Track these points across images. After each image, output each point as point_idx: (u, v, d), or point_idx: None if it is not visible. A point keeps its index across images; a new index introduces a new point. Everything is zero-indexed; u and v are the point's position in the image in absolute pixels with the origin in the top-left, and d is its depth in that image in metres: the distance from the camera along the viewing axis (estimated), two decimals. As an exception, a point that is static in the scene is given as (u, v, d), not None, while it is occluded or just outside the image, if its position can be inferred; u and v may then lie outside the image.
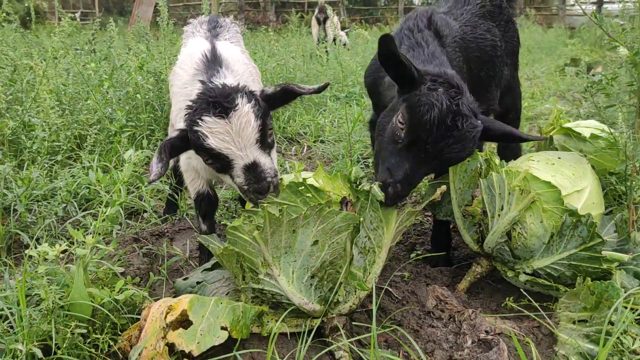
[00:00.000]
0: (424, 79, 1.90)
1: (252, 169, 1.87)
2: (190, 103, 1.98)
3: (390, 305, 2.17)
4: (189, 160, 2.50)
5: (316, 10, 12.31)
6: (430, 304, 2.18)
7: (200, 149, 1.91)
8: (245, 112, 1.86)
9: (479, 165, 2.23)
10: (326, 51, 11.10)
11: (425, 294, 2.27)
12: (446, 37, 2.22)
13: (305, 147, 4.78)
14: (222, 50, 2.45)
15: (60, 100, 4.24)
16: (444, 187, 2.18)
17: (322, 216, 1.72)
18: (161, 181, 3.72)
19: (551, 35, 16.93)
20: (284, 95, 2.10)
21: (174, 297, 2.27)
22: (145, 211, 3.33)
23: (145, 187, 3.43)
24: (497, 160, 2.31)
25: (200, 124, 1.85)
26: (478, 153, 2.32)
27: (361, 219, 1.78)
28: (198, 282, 2.24)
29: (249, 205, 2.09)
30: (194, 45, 2.58)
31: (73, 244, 2.05)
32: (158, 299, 1.94)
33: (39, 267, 1.90)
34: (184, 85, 2.36)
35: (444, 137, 1.80)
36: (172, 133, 2.01)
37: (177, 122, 2.36)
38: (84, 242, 1.96)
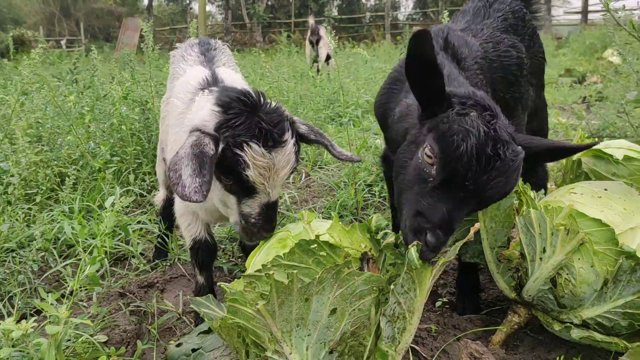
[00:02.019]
0: (452, 102, 1.58)
1: (270, 208, 1.76)
2: (218, 107, 1.71)
3: (419, 368, 1.86)
4: (186, 203, 2.18)
5: (309, 32, 12.15)
6: (465, 364, 1.88)
7: (230, 171, 1.68)
8: (288, 151, 1.72)
9: (513, 202, 1.94)
10: (317, 71, 10.90)
11: (457, 350, 1.97)
12: (465, 59, 1.92)
13: (304, 174, 4.49)
14: (224, 76, 2.20)
15: (39, 135, 3.94)
16: (477, 225, 1.88)
17: (340, 279, 1.41)
18: (149, 220, 3.41)
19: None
20: (312, 142, 1.91)
21: (166, 369, 1.96)
22: (132, 256, 3.00)
23: (133, 229, 3.12)
24: (531, 194, 2.03)
25: (245, 149, 1.64)
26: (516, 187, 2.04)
27: (391, 286, 1.47)
28: (194, 350, 1.92)
29: (251, 259, 1.78)
30: (190, 74, 2.29)
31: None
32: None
33: (2, 350, 1.58)
34: (179, 115, 2.08)
35: (486, 170, 1.45)
36: (201, 140, 1.66)
37: (171, 153, 2.05)
38: (56, 315, 1.64)
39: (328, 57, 12.37)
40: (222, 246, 3.14)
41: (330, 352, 1.49)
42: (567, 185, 2.07)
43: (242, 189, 1.73)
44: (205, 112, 1.75)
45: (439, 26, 2.11)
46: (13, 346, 1.65)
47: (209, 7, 42.64)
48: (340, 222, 1.58)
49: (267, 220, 1.75)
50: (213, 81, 2.12)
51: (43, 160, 3.58)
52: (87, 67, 5.75)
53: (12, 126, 3.25)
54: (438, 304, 2.29)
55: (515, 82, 2.23)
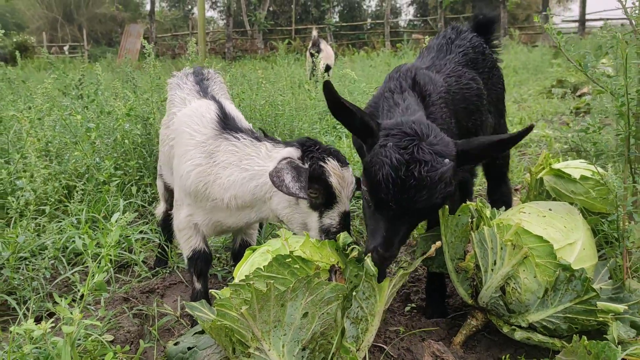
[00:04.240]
0: (379, 134, 1.85)
1: (346, 216, 2.10)
2: (297, 145, 2.14)
3: (386, 365, 2.13)
4: (189, 218, 2.48)
5: (310, 44, 12.48)
6: (427, 361, 2.14)
7: (317, 180, 2.05)
8: (351, 171, 2.14)
9: (469, 220, 2.22)
10: (316, 81, 11.17)
11: (420, 350, 2.24)
12: (431, 95, 2.20)
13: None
14: (230, 110, 2.54)
15: (48, 150, 4.21)
16: (438, 243, 2.15)
17: (310, 288, 1.69)
18: (151, 229, 3.69)
19: (536, 54, 17.13)
20: None
21: (164, 366, 2.23)
22: (135, 264, 3.28)
23: (135, 239, 3.39)
24: (487, 212, 2.30)
25: (327, 161, 2.05)
26: (471, 205, 2.31)
27: (354, 293, 1.75)
28: (189, 348, 2.19)
29: (238, 269, 2.05)
30: (198, 106, 2.58)
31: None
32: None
33: (25, 347, 1.85)
34: (201, 143, 2.37)
35: (403, 190, 1.71)
36: (293, 161, 2.08)
37: (189, 177, 2.36)
38: (71, 317, 1.92)
39: (328, 68, 12.69)
40: (218, 255, 3.42)
41: (303, 349, 1.76)
42: (518, 205, 2.34)
43: (326, 199, 2.07)
44: (290, 149, 2.15)
45: (407, 66, 2.38)
46: (33, 344, 1.92)
47: (210, 13, 43.03)
48: (311, 240, 1.86)
49: (343, 227, 2.08)
50: (224, 116, 2.43)
51: (51, 173, 3.86)
52: (91, 80, 6.03)
53: (24, 144, 3.52)
54: (407, 308, 2.55)
55: (476, 111, 2.50)
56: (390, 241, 1.78)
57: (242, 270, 1.97)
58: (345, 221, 2.07)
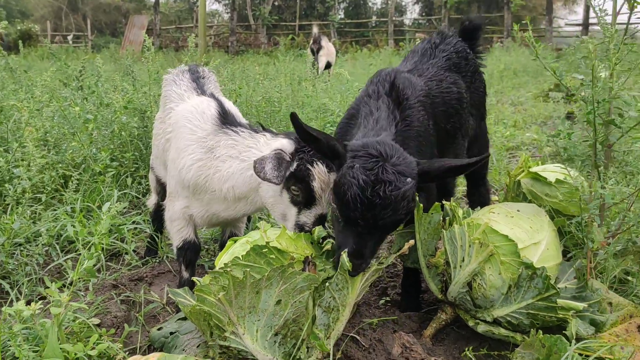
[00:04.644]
0: (346, 156, 1.99)
1: (322, 218, 2.20)
2: (295, 140, 2.24)
3: (357, 353, 2.24)
4: (184, 210, 2.60)
5: (311, 41, 12.59)
6: (396, 351, 2.26)
7: (301, 181, 2.16)
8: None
9: (441, 218, 2.33)
10: (315, 77, 11.27)
11: (391, 341, 2.35)
12: (408, 99, 2.30)
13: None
14: (229, 107, 2.67)
15: (46, 140, 4.33)
16: (411, 242, 2.28)
17: (284, 277, 1.80)
18: (143, 220, 3.80)
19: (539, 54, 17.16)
20: None
21: (148, 347, 2.35)
22: (126, 253, 3.39)
23: (128, 229, 3.51)
24: (460, 212, 2.41)
25: (314, 165, 2.16)
26: (446, 204, 2.42)
27: (327, 283, 1.87)
28: (172, 333, 2.31)
29: (219, 258, 2.17)
30: (197, 102, 2.69)
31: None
32: (134, 349, 2.02)
33: (15, 326, 1.97)
34: (202, 138, 2.49)
35: (370, 209, 1.85)
36: (281, 154, 2.19)
37: (189, 170, 2.48)
38: (59, 300, 2.03)
39: (329, 65, 12.80)
40: (206, 247, 3.53)
41: (276, 334, 1.88)
42: (489, 206, 2.45)
43: (305, 199, 2.18)
44: (284, 141, 2.26)
45: (387, 70, 2.48)
46: (23, 324, 2.04)
47: (215, 6, 43.01)
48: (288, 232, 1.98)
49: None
50: (224, 113, 2.55)
51: (49, 163, 3.97)
52: (92, 72, 6.14)
53: (22, 133, 3.64)
54: (382, 301, 2.67)
55: (456, 114, 2.61)
56: (361, 252, 1.91)
57: (222, 259, 2.08)
58: (320, 222, 2.18)
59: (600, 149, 2.26)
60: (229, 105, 2.69)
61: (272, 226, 2.11)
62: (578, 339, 2.18)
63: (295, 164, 2.16)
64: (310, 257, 1.93)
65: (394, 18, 28.36)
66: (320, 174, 2.14)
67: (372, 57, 17.76)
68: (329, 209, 2.17)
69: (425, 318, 2.56)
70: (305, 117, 6.25)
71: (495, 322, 2.26)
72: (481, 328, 2.18)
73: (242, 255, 1.85)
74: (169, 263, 3.28)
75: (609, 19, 2.44)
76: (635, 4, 2.28)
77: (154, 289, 2.96)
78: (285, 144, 2.23)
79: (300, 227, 2.18)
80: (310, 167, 2.14)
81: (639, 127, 2.23)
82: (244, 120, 2.59)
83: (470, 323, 2.25)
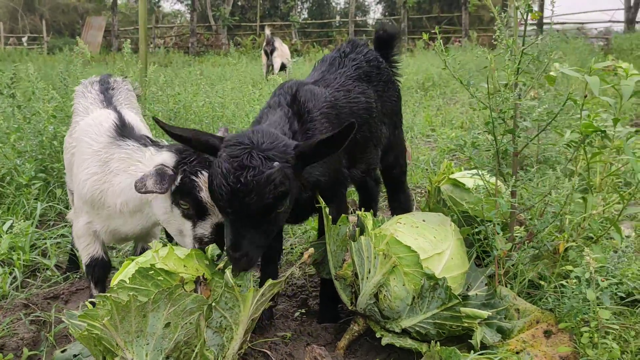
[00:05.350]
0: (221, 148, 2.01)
1: (219, 226, 2.15)
2: (175, 152, 2.21)
3: (266, 370, 2.21)
4: (88, 225, 2.52)
5: (264, 43, 12.51)
6: (306, 366, 2.23)
7: (187, 194, 2.12)
8: None
9: (347, 230, 2.32)
10: (268, 80, 11.22)
11: (302, 355, 2.32)
12: (310, 112, 2.28)
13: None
14: (130, 119, 2.60)
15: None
16: (311, 251, 2.27)
17: (172, 299, 1.75)
18: (69, 233, 3.68)
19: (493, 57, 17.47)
20: None
21: (50, 372, 2.27)
22: (47, 268, 3.28)
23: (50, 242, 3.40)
24: (370, 223, 2.40)
25: (199, 175, 2.11)
26: (359, 214, 2.42)
27: (213, 303, 1.83)
28: (75, 355, 2.24)
29: (115, 279, 2.11)
30: (97, 115, 2.63)
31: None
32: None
33: None
34: (97, 152, 2.43)
35: (234, 195, 1.85)
36: (164, 168, 2.13)
37: (85, 185, 2.41)
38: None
39: (284, 67, 12.74)
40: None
41: (167, 358, 1.83)
42: (396, 216, 2.45)
43: (197, 211, 2.13)
44: (165, 155, 2.22)
45: (291, 82, 2.46)
46: None
47: (177, 6, 42.46)
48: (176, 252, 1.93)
49: (219, 238, 2.13)
50: (122, 125, 2.49)
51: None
52: (28, 80, 5.93)
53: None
54: (297, 313, 2.64)
55: (364, 123, 2.59)
56: (238, 243, 1.91)
57: (116, 280, 2.02)
58: (218, 231, 2.13)
59: (503, 157, 2.28)
60: (131, 116, 2.62)
61: (164, 245, 2.06)
62: (485, 347, 2.21)
63: (179, 178, 2.12)
64: (202, 277, 1.88)
65: (356, 18, 28.44)
66: (206, 183, 2.09)
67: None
68: None
69: (341, 329, 2.54)
70: (249, 121, 6.19)
71: (405, 332, 2.26)
72: (385, 340, 2.18)
73: (128, 278, 1.79)
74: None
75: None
76: (537, 14, 2.31)
77: (71, 307, 2.86)
78: (167, 158, 2.19)
79: (199, 240, 2.14)
80: (194, 177, 2.10)
81: (541, 136, 2.26)
82: (143, 132, 2.52)
83: (378, 334, 2.25)
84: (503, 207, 2.15)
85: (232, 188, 1.84)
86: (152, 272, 1.80)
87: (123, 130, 2.43)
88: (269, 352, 2.30)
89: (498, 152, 2.28)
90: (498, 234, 2.25)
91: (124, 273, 2.03)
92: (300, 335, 2.48)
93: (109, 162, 2.34)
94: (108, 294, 1.71)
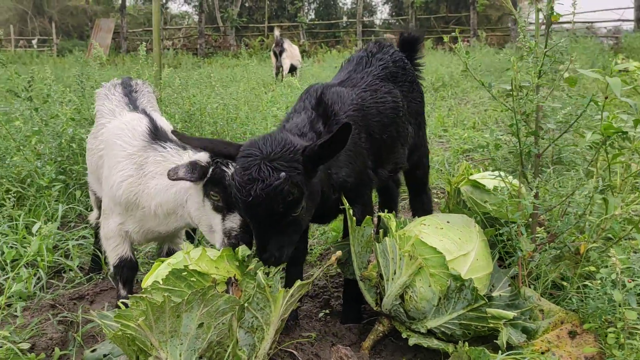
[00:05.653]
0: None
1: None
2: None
3: (293, 370, 2.24)
4: (119, 227, 2.57)
5: (273, 44, 12.55)
6: (332, 366, 2.26)
7: (218, 184, 2.19)
8: None
9: (372, 232, 2.34)
10: (281, 80, 11.25)
11: (329, 354, 2.35)
12: (337, 115, 2.31)
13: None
14: (161, 123, 2.67)
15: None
16: (339, 253, 2.29)
17: (205, 300, 1.78)
18: (90, 234, 3.73)
19: (502, 56, 17.43)
20: None
21: (81, 371, 2.31)
22: (70, 269, 3.33)
23: (72, 244, 3.45)
24: (394, 224, 2.42)
25: (230, 167, 2.19)
26: (382, 216, 2.44)
27: (246, 304, 1.86)
28: (105, 355, 2.27)
29: (145, 280, 2.14)
30: (128, 119, 2.68)
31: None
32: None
33: None
34: (131, 155, 2.49)
35: (247, 205, 1.96)
36: (195, 162, 2.21)
37: (120, 187, 2.47)
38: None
39: (294, 68, 12.76)
40: (152, 261, 3.48)
41: (200, 357, 1.86)
42: (420, 218, 2.47)
43: (226, 203, 2.18)
44: (201, 154, 2.30)
45: (316, 86, 2.49)
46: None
47: (185, 7, 42.59)
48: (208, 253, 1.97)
49: (247, 233, 2.18)
50: (155, 129, 2.55)
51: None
52: (44, 82, 6.01)
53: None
54: (321, 314, 2.67)
55: (391, 123, 2.62)
56: (263, 247, 2.01)
57: (149, 281, 2.05)
58: (247, 225, 2.17)
59: (527, 159, 2.30)
60: (161, 120, 2.67)
61: (195, 246, 2.09)
62: (510, 347, 2.22)
63: (211, 169, 2.19)
64: (233, 277, 1.91)
65: (364, 18, 28.44)
66: None
67: (340, 59, 17.79)
68: None
69: (365, 330, 2.57)
70: (263, 123, 6.23)
71: (430, 332, 2.28)
72: (412, 340, 2.20)
73: (162, 279, 1.83)
74: (113, 280, 3.22)
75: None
76: (558, 16, 2.33)
77: (96, 307, 2.90)
78: (202, 156, 2.27)
79: (227, 234, 2.18)
80: (225, 168, 2.17)
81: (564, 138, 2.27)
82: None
83: (404, 335, 2.27)
84: (528, 209, 2.17)
85: (245, 200, 1.95)
86: (185, 273, 1.83)
87: (157, 133, 2.49)
88: (295, 353, 2.33)
89: (522, 154, 2.29)
90: (522, 235, 2.26)
91: (155, 274, 2.06)
92: (325, 335, 2.50)
93: (144, 166, 2.41)
94: (143, 295, 1.75)
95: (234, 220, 2.19)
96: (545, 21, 2.41)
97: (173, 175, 2.11)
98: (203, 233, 2.30)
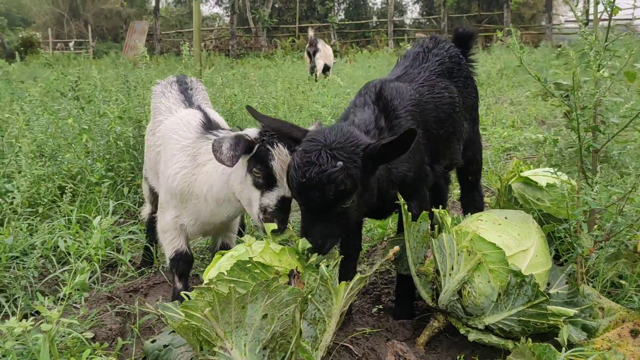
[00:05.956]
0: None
1: (285, 200, 2.26)
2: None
3: (349, 364, 2.25)
4: (175, 220, 2.63)
5: (307, 44, 12.61)
6: (389, 360, 2.26)
7: (261, 161, 2.23)
8: None
9: (429, 227, 2.33)
10: (315, 80, 11.29)
11: (384, 349, 2.35)
12: (396, 110, 2.32)
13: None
14: (215, 117, 2.76)
15: (42, 151, 4.36)
16: (396, 248, 2.29)
17: (269, 291, 1.81)
18: (140, 229, 3.82)
19: (538, 55, 17.10)
20: None
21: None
22: (122, 263, 3.41)
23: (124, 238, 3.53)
24: (449, 220, 2.41)
25: (274, 146, 2.22)
26: (435, 212, 2.43)
27: (310, 295, 1.87)
28: (165, 345, 2.32)
29: (207, 272, 2.18)
30: (184, 114, 2.76)
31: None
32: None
33: (7, 343, 1.99)
34: (185, 147, 2.57)
35: (301, 189, 2.00)
36: (240, 136, 2.23)
37: (174, 179, 2.54)
38: (50, 316, 2.05)
39: (327, 68, 12.79)
40: (202, 256, 3.55)
41: (264, 348, 1.89)
42: (477, 214, 2.45)
43: (266, 180, 2.23)
44: (251, 129, 2.36)
45: (374, 82, 2.50)
46: (16, 340, 2.06)
47: (216, 9, 43.09)
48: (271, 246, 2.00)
49: (282, 210, 2.25)
50: (208, 122, 2.63)
51: (45, 174, 4.00)
52: (89, 82, 6.17)
53: (17, 144, 3.66)
54: (374, 309, 2.67)
55: (448, 119, 2.61)
56: (307, 230, 2.06)
57: (210, 274, 2.09)
58: (283, 205, 2.24)
59: (587, 155, 2.26)
60: (214, 115, 2.73)
61: (257, 239, 2.12)
62: (570, 345, 2.19)
63: (256, 146, 2.23)
64: (295, 270, 1.93)
65: (394, 18, 28.30)
66: (279, 155, 2.20)
67: (372, 59, 17.75)
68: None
69: (418, 325, 2.56)
70: (301, 121, 6.27)
71: (487, 329, 2.26)
72: (472, 336, 2.19)
73: (226, 271, 1.86)
74: (164, 273, 3.29)
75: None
76: (617, 9, 2.28)
77: (149, 300, 2.97)
78: (250, 131, 2.32)
79: (263, 210, 2.23)
80: (270, 147, 2.20)
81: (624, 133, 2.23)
82: (227, 127, 2.63)
83: (462, 331, 2.26)
84: (591, 204, 2.13)
85: (299, 181, 1.98)
86: (250, 265, 1.86)
87: (210, 125, 2.55)
88: (351, 347, 2.34)
89: (581, 150, 2.25)
90: (583, 231, 2.23)
91: (216, 266, 2.10)
92: (380, 330, 2.50)
93: (197, 156, 2.47)
94: (210, 286, 1.78)
95: (271, 198, 2.23)
96: (606, 15, 2.36)
97: (217, 149, 2.12)
98: (243, 206, 2.37)
